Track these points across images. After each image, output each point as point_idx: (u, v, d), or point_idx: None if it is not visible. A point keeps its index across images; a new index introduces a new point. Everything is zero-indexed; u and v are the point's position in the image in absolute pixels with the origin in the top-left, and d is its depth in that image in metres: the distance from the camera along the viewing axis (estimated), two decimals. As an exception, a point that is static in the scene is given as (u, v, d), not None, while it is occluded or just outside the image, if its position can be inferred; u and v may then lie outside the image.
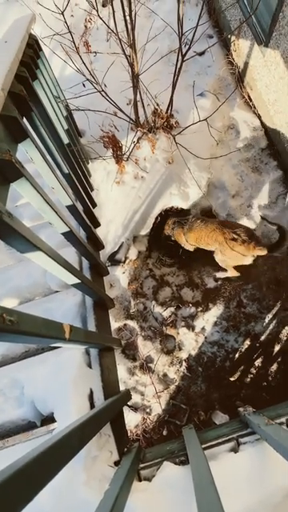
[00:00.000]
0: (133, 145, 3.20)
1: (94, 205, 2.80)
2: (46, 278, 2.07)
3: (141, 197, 3.23)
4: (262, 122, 3.69)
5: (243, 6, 3.31)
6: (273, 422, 1.17)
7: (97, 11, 2.59)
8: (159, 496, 1.15)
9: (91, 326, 1.75)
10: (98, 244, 2.41)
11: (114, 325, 3.15)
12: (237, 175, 3.56)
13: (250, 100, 3.77)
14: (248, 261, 2.87)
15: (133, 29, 2.53)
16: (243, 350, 3.06)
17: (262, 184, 3.50)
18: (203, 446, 1.25)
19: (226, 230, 2.80)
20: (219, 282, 3.31)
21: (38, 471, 0.62)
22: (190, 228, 3.10)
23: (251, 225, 3.38)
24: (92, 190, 2.93)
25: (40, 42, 2.10)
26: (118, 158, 3.12)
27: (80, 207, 2.17)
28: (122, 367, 3.03)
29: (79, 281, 1.41)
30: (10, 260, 2.36)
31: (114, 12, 2.51)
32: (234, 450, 1.26)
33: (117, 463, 1.33)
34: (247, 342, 3.06)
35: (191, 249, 3.33)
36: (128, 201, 3.21)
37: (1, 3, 4.83)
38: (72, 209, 1.78)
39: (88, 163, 3.27)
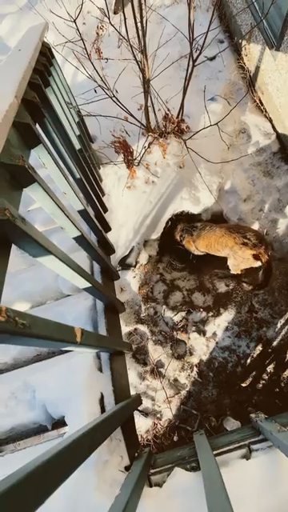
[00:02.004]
0: (144, 150, 3.22)
1: (105, 209, 2.81)
2: (57, 282, 2.08)
3: (152, 201, 3.24)
4: (273, 126, 3.67)
5: (254, 10, 3.31)
6: (285, 429, 1.15)
7: (108, 18, 2.62)
8: (170, 502, 1.15)
9: (102, 330, 1.76)
10: (108, 248, 2.42)
11: (125, 329, 3.15)
12: (248, 179, 3.54)
13: (262, 104, 3.75)
14: (259, 264, 2.85)
15: (144, 35, 2.55)
16: (255, 355, 3.02)
17: (273, 188, 3.48)
18: (214, 452, 1.23)
19: (236, 235, 2.79)
20: (231, 287, 3.28)
21: (50, 474, 0.62)
22: (199, 235, 3.10)
23: (263, 229, 3.36)
24: (103, 194, 2.95)
25: (53, 49, 2.14)
26: (129, 162, 3.13)
27: (91, 212, 2.19)
28: (132, 372, 3.02)
29: (90, 285, 1.41)
30: (22, 264, 2.39)
31: (125, 19, 2.54)
32: (246, 456, 1.25)
33: (127, 468, 1.32)
34: (259, 348, 3.03)
35: (201, 254, 3.32)
36: (139, 205, 3.22)
37: (15, 12, 4.93)
38: (83, 213, 1.80)
39: (99, 168, 3.29)
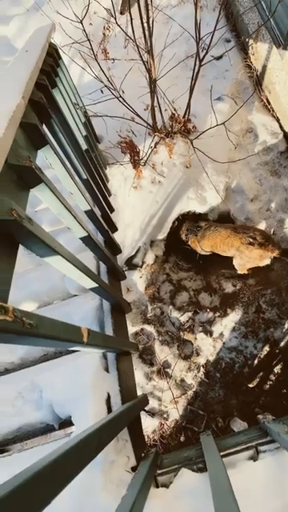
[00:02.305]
0: (150, 150, 3.21)
1: (112, 210, 2.82)
2: (64, 282, 2.09)
3: (158, 201, 3.24)
4: (280, 125, 3.64)
5: (261, 9, 3.29)
6: (293, 431, 1.15)
7: (115, 19, 2.62)
8: (176, 503, 1.14)
9: (109, 330, 1.76)
10: (115, 248, 2.43)
11: (131, 329, 3.16)
12: (255, 179, 3.52)
13: (269, 103, 3.73)
14: (266, 262, 2.85)
15: (150, 35, 2.55)
16: (262, 356, 3.00)
17: (281, 187, 3.45)
18: (221, 453, 1.23)
19: (242, 235, 2.78)
20: (237, 287, 3.27)
21: (57, 474, 0.62)
22: (203, 235, 3.09)
23: (270, 229, 3.34)
24: (110, 195, 2.95)
25: (59, 50, 2.15)
26: (136, 163, 3.13)
27: (98, 212, 2.19)
28: (139, 372, 3.02)
29: (97, 285, 1.42)
30: (29, 264, 2.40)
31: (131, 19, 2.54)
32: (253, 458, 1.24)
33: (134, 468, 1.32)
34: (266, 348, 3.01)
35: (207, 254, 3.32)
36: (145, 205, 3.21)
37: (22, 13, 4.96)
38: (90, 214, 1.80)
39: (106, 168, 3.30)
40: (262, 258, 2.78)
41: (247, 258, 2.83)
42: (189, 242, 3.34)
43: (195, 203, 3.26)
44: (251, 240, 2.73)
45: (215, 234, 2.97)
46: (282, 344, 3.00)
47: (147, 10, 2.44)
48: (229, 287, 3.29)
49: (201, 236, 3.12)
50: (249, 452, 1.25)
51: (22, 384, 1.61)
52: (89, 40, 2.57)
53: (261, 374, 2.96)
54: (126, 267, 3.19)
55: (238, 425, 2.78)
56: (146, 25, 2.51)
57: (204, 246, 3.14)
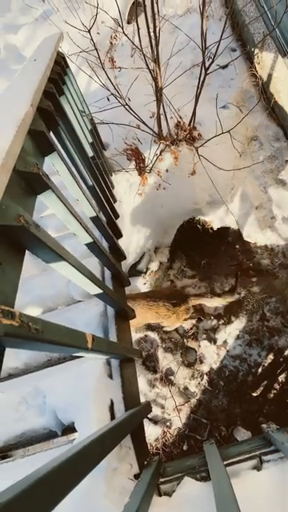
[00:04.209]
0: (155, 157, 3.24)
1: (117, 216, 2.83)
2: (68, 288, 2.10)
3: (163, 208, 3.25)
4: (285, 133, 3.66)
5: (267, 19, 3.32)
6: (298, 441, 1.14)
7: (122, 28, 2.66)
8: (179, 512, 1.13)
9: (113, 337, 1.76)
10: (120, 254, 2.43)
11: (135, 336, 3.15)
12: (260, 186, 3.53)
13: (274, 112, 3.75)
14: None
15: (157, 44, 2.58)
16: (266, 364, 2.99)
17: (285, 195, 3.45)
18: (225, 462, 1.22)
19: (155, 308, 2.71)
20: (242, 295, 3.26)
21: (60, 480, 0.62)
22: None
23: (275, 237, 3.33)
24: (115, 201, 2.97)
25: (67, 58, 2.18)
26: (141, 170, 3.15)
27: (103, 218, 2.20)
28: (142, 379, 3.01)
29: (102, 291, 1.42)
30: (34, 269, 2.41)
31: (138, 29, 2.57)
32: (257, 467, 1.23)
33: (137, 476, 1.31)
34: (270, 357, 2.99)
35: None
36: (150, 212, 3.23)
37: (30, 23, 5.04)
38: (95, 220, 1.81)
39: (111, 175, 3.32)
40: (180, 319, 2.79)
41: (171, 323, 2.83)
42: None
43: (200, 210, 3.27)
44: (166, 312, 2.71)
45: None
46: (287, 353, 2.98)
47: (154, 20, 2.47)
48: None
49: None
50: (252, 461, 1.24)
51: (25, 389, 1.61)
52: (96, 49, 2.61)
53: (265, 382, 2.93)
54: (130, 273, 3.20)
55: (242, 434, 2.76)
56: (152, 34, 2.55)
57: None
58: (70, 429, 1.53)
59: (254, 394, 2.91)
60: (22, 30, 5.07)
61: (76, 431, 1.47)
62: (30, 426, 1.54)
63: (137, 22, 2.57)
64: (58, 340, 0.79)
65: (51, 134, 1.43)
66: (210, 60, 2.74)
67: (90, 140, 2.33)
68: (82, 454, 0.74)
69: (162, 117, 3.10)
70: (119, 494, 1.19)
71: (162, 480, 1.29)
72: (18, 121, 0.91)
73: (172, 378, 3.05)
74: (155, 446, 2.88)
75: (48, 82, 1.48)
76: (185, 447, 2.84)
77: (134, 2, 4.45)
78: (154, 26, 2.50)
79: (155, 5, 2.39)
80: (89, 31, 2.46)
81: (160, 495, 1.25)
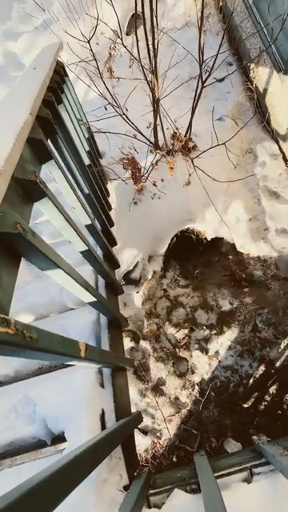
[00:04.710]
0: (151, 167, 3.26)
1: (112, 224, 2.84)
2: (62, 295, 2.09)
3: (157, 217, 3.27)
4: (279, 147, 3.72)
5: (263, 35, 3.40)
6: (289, 453, 1.14)
7: (121, 40, 2.70)
8: (169, 525, 1.12)
9: (105, 345, 1.75)
10: (114, 263, 2.43)
11: (127, 344, 3.13)
12: (254, 198, 3.57)
13: (269, 125, 3.81)
14: None
15: (155, 56, 2.62)
16: (257, 375, 2.99)
17: (279, 208, 3.49)
18: (215, 474, 1.21)
19: None
20: (234, 305, 3.27)
21: (52, 490, 0.62)
22: None
23: (268, 248, 3.36)
24: (110, 209, 2.98)
25: (66, 68, 2.20)
26: (137, 179, 3.17)
27: (98, 226, 2.21)
28: (133, 388, 2.99)
29: (95, 299, 1.42)
30: (27, 275, 2.40)
31: (137, 40, 2.61)
32: (247, 480, 1.22)
33: (126, 488, 1.30)
34: (262, 368, 2.99)
35: None
36: (145, 221, 3.24)
37: (30, 31, 5.08)
38: (91, 228, 1.82)
39: (107, 183, 3.34)
40: None
41: None
42: None
43: (194, 221, 3.29)
44: None
45: None
46: (278, 364, 2.98)
47: (153, 33, 2.51)
48: (226, 305, 3.29)
49: None
50: (243, 474, 1.23)
51: (15, 397, 1.59)
52: (95, 59, 2.64)
53: (256, 394, 2.93)
54: (123, 282, 3.19)
55: (232, 445, 2.74)
56: (151, 46, 2.59)
57: None
58: (59, 438, 1.51)
59: (245, 406, 2.90)
60: (22, 37, 5.12)
61: (65, 441, 1.45)
62: (19, 434, 1.51)
63: (136, 33, 2.61)
64: (52, 348, 0.79)
65: (49, 141, 1.44)
66: (207, 73, 2.78)
67: (87, 148, 2.35)
68: (74, 464, 0.74)
69: (159, 127, 3.14)
70: (108, 505, 1.18)
71: (151, 492, 1.28)
72: (17, 129, 0.92)
73: (163, 387, 3.03)
74: (145, 456, 2.85)
75: (47, 90, 1.49)
76: (174, 458, 2.81)
77: (133, 15, 4.52)
78: (153, 39, 2.54)
79: (154, 18, 2.44)
80: (88, 42, 2.50)
81: (150, 507, 1.24)
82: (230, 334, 3.14)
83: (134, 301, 3.20)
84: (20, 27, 5.32)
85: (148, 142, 3.19)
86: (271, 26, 2.82)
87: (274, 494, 1.13)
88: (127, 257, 3.16)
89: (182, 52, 3.64)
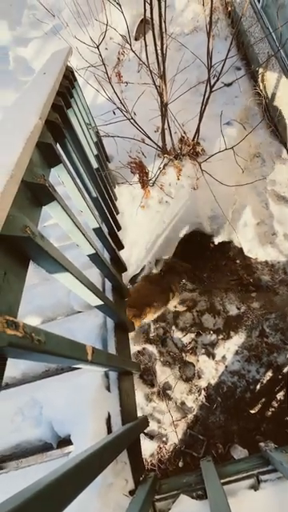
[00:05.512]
0: (159, 171, 3.27)
1: (119, 227, 2.84)
2: (69, 298, 2.09)
3: (165, 221, 3.27)
4: (288, 151, 3.71)
5: (271, 40, 3.40)
6: (296, 460, 1.12)
7: (130, 45, 2.72)
8: (175, 531, 1.11)
9: (112, 349, 1.75)
10: (121, 266, 2.44)
11: (133, 348, 3.13)
12: (262, 203, 3.56)
13: (277, 129, 3.80)
14: None
15: (163, 61, 2.63)
16: (265, 381, 2.96)
17: (287, 212, 3.48)
18: (222, 480, 1.20)
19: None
20: (242, 310, 3.25)
21: (58, 494, 0.62)
22: None
23: (276, 253, 3.34)
24: (117, 213, 2.99)
25: (75, 72, 2.22)
26: (144, 183, 3.18)
27: (105, 230, 2.22)
28: (139, 392, 2.98)
29: (102, 302, 1.42)
30: (35, 278, 2.41)
31: (146, 45, 2.63)
32: (254, 487, 1.21)
33: (132, 492, 1.29)
34: (269, 374, 2.97)
35: None
36: (152, 225, 3.24)
37: (40, 37, 5.15)
38: (98, 231, 1.82)
39: (115, 187, 3.35)
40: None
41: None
42: None
43: (202, 225, 3.29)
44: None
45: None
46: (286, 370, 2.95)
47: (161, 38, 2.52)
48: (233, 310, 3.27)
49: None
50: (250, 481, 1.22)
51: (22, 400, 1.59)
52: (104, 64, 2.66)
53: (263, 399, 2.90)
54: (130, 285, 3.19)
55: (239, 452, 2.72)
56: (159, 51, 2.60)
57: None
58: (65, 441, 1.51)
59: (252, 412, 2.87)
60: (32, 43, 5.18)
61: (71, 444, 1.45)
62: (26, 437, 1.52)
63: (144, 38, 2.62)
64: (60, 351, 0.79)
65: (58, 145, 1.45)
66: (215, 78, 2.79)
67: (95, 152, 2.36)
68: (80, 468, 0.73)
69: (167, 131, 3.14)
70: (113, 510, 1.18)
71: (157, 497, 1.27)
72: (26, 133, 0.92)
73: (169, 392, 3.02)
74: (150, 461, 2.83)
75: (56, 95, 1.50)
76: (180, 464, 2.79)
77: (142, 20, 4.55)
78: (162, 44, 2.55)
79: (163, 23, 2.45)
80: (97, 47, 2.52)
81: (155, 513, 1.23)
82: (237, 339, 3.12)
83: (141, 304, 3.20)
84: (30, 33, 5.39)
85: (156, 146, 3.20)
86: (280, 30, 2.83)
87: (281, 502, 1.12)
88: (134, 260, 3.16)
89: (191, 57, 3.65)
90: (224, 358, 3.07)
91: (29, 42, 5.20)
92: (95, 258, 1.58)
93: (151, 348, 3.15)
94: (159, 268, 3.32)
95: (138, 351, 3.15)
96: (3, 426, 1.55)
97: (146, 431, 2.89)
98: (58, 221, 1.21)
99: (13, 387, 1.74)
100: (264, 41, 3.58)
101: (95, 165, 2.25)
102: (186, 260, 3.48)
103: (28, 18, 5.50)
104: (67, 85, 1.86)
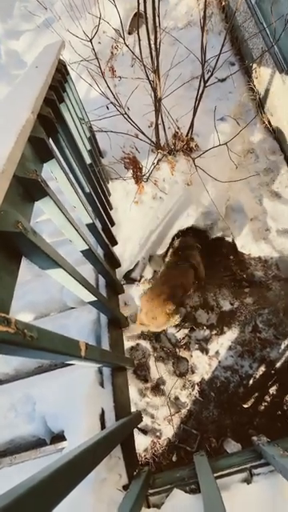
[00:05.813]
0: (152, 166, 3.26)
1: (113, 223, 2.83)
2: (62, 294, 2.09)
3: (158, 217, 3.26)
4: (281, 147, 3.71)
5: (265, 35, 3.39)
6: (288, 454, 1.13)
7: (123, 39, 2.69)
8: (168, 525, 1.12)
9: (105, 345, 1.75)
10: (114, 262, 2.43)
11: (127, 344, 3.13)
12: (255, 199, 3.56)
13: (271, 125, 3.80)
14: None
15: (157, 55, 2.61)
16: (257, 376, 2.98)
17: (280, 208, 3.49)
18: (215, 474, 1.21)
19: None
20: (235, 306, 3.26)
21: (51, 489, 0.62)
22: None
23: (269, 249, 3.36)
24: (111, 208, 2.98)
25: (68, 66, 2.20)
26: (138, 178, 3.17)
27: (99, 225, 2.21)
28: (132, 388, 2.99)
29: (96, 298, 1.42)
30: (27, 274, 2.40)
31: (139, 40, 2.60)
32: (247, 480, 1.22)
33: (125, 487, 1.30)
34: (262, 369, 2.99)
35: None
36: (146, 220, 3.24)
37: (32, 29, 5.08)
38: (91, 227, 1.82)
39: (108, 183, 3.33)
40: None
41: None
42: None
43: (195, 220, 3.29)
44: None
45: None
46: (278, 365, 2.98)
47: (155, 32, 2.50)
48: (226, 305, 3.29)
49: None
50: (242, 474, 1.23)
51: (15, 396, 1.59)
52: (97, 58, 2.63)
53: (256, 394, 2.93)
54: (124, 281, 3.19)
55: (232, 446, 2.74)
56: (153, 45, 2.58)
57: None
58: (58, 437, 1.51)
59: (245, 406, 2.90)
60: (23, 36, 5.11)
61: (64, 440, 1.45)
62: (19, 433, 1.51)
63: (138, 33, 2.60)
64: (52, 348, 0.79)
65: (50, 140, 1.43)
66: (209, 73, 2.78)
67: (89, 147, 2.35)
68: (74, 464, 0.73)
69: (160, 127, 3.13)
70: (107, 505, 1.18)
71: (151, 491, 1.27)
72: (18, 127, 0.91)
73: (163, 387, 3.03)
74: (144, 456, 2.85)
75: (49, 89, 1.49)
76: (174, 458, 2.81)
77: (135, 14, 4.51)
78: (155, 38, 2.53)
79: (156, 17, 2.43)
80: (90, 40, 2.49)
81: (149, 507, 1.24)
82: (231, 335, 3.14)
83: (135, 300, 3.20)
84: (22, 26, 5.31)
85: (149, 142, 3.18)
86: (274, 26, 2.82)
87: (273, 495, 1.13)
88: (128, 256, 3.15)
89: (184, 51, 3.63)
90: (217, 353, 3.09)
91: (20, 35, 5.14)
92: (88, 254, 1.57)
93: (145, 343, 3.16)
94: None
95: (132, 347, 3.16)
96: (-4, 422, 1.55)
97: (139, 426, 2.90)
98: (50, 216, 1.21)
99: (5, 383, 1.73)
100: (258, 36, 3.57)
101: (88, 160, 2.23)
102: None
103: (19, 11, 5.42)
104: (60, 79, 1.84)
